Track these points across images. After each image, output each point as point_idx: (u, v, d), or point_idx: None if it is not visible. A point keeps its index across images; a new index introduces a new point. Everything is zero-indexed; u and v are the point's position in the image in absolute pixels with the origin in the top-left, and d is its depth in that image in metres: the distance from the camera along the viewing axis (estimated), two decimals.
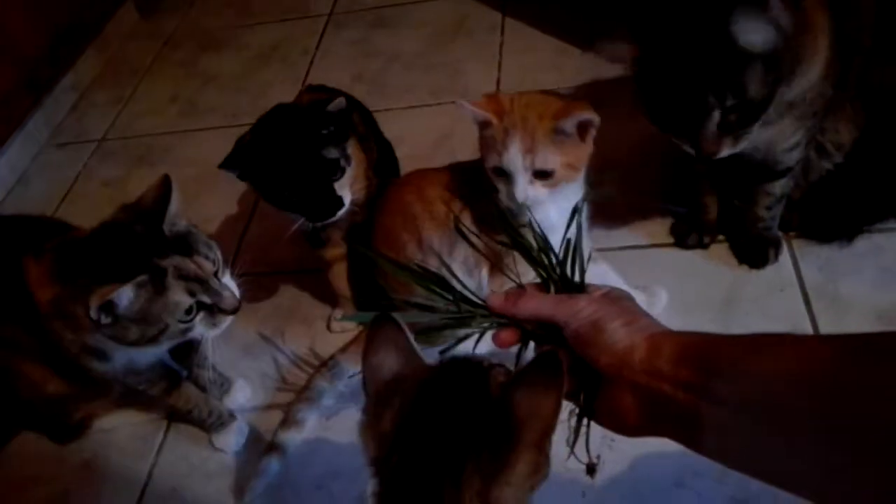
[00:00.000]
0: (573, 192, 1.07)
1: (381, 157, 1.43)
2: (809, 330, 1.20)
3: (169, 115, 2.12)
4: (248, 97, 2.09)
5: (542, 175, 1.02)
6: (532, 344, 0.70)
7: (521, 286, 0.71)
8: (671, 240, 1.38)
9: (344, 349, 1.32)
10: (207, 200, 1.73)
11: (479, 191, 1.10)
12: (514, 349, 0.71)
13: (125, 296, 0.91)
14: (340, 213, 1.18)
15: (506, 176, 1.03)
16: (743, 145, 1.00)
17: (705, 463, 0.57)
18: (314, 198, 1.15)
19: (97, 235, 1.00)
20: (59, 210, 1.89)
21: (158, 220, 0.98)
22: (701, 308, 1.25)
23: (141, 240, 0.97)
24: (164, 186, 1.00)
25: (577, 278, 0.71)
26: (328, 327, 1.41)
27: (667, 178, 1.43)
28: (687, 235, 1.35)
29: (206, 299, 0.99)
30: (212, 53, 2.33)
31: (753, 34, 0.90)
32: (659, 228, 1.40)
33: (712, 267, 1.32)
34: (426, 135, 1.76)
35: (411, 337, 0.65)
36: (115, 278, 0.91)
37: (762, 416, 0.49)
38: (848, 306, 1.20)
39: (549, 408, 0.57)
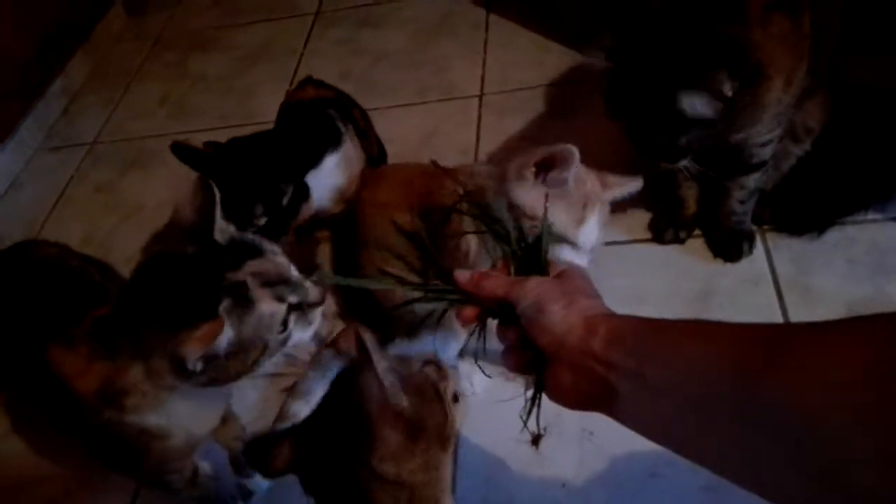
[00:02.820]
0: None
1: (379, 155, 1.47)
2: (781, 321, 1.23)
3: (159, 118, 2.14)
4: (236, 98, 2.12)
5: None
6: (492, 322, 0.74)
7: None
8: (649, 235, 1.41)
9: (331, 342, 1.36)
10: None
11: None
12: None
13: (225, 334, 0.77)
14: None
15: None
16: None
17: None
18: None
19: (140, 279, 0.85)
20: (52, 214, 1.92)
21: (209, 232, 0.84)
22: (677, 302, 1.29)
23: (200, 261, 0.82)
24: (206, 191, 0.85)
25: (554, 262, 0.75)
26: None
27: (645, 174, 1.46)
28: (664, 231, 1.38)
29: (293, 299, 0.85)
30: (200, 54, 2.35)
31: (699, 107, 0.99)
32: (637, 224, 1.43)
33: (688, 261, 1.35)
34: (412, 133, 1.79)
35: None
36: (194, 314, 0.76)
37: (685, 399, 0.52)
38: (819, 298, 1.24)
39: (437, 413, 0.63)
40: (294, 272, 0.87)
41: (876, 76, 1.34)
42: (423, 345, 1.16)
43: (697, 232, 1.39)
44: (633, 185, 1.11)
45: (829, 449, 0.41)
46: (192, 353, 0.75)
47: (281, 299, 0.83)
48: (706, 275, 1.32)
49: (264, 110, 1.97)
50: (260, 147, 1.19)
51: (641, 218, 1.44)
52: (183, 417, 0.89)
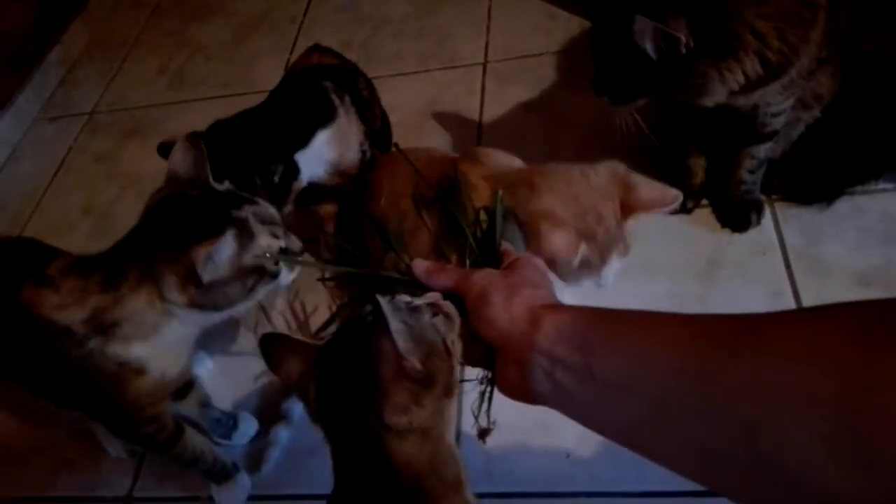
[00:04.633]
0: None
1: (382, 127, 1.44)
2: (789, 292, 1.21)
3: (158, 87, 2.11)
4: (236, 67, 2.08)
5: None
6: None
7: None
8: None
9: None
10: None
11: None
12: None
13: (228, 246, 0.87)
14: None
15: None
16: None
17: None
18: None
19: (150, 215, 0.93)
20: (52, 184, 1.90)
21: (206, 182, 0.94)
22: (684, 273, 1.27)
23: (205, 199, 0.92)
24: (194, 147, 0.95)
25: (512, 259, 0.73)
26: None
27: (653, 144, 1.44)
28: None
29: (283, 243, 0.96)
30: (199, 22, 2.32)
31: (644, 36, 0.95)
32: None
33: (696, 231, 1.33)
34: (414, 102, 1.77)
35: (292, 335, 0.72)
36: (203, 233, 0.86)
37: (639, 395, 0.50)
38: (828, 269, 1.22)
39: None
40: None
41: (891, 42, 1.31)
42: None
43: (705, 202, 1.37)
44: (667, 202, 1.02)
45: (786, 449, 0.39)
46: (202, 255, 0.83)
47: (276, 237, 0.94)
48: (714, 245, 1.30)
49: (264, 79, 1.94)
50: (246, 128, 1.18)
51: None
52: (163, 351, 0.95)
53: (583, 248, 0.98)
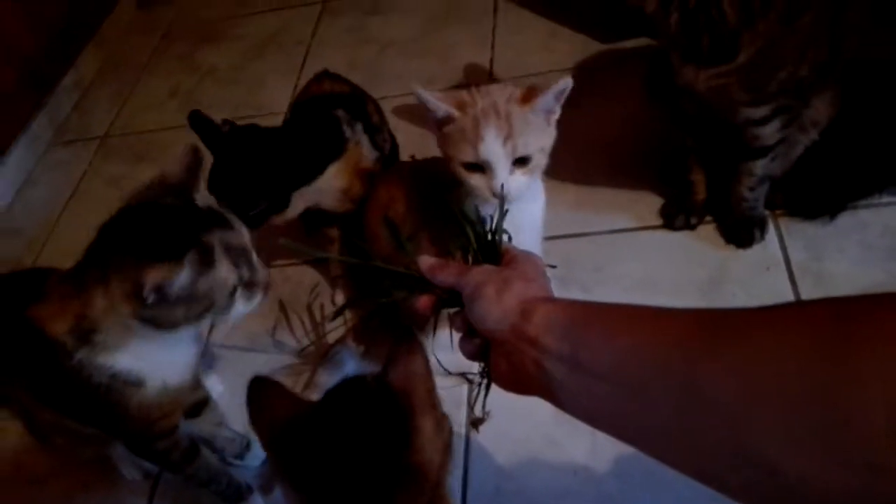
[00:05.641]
0: (538, 191, 1.10)
1: (392, 150, 1.47)
2: None
3: (169, 110, 2.15)
4: (245, 89, 2.12)
5: (521, 162, 0.99)
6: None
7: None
8: (660, 222, 1.40)
9: (342, 339, 1.37)
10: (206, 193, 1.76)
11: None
12: None
13: (184, 277, 0.84)
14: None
15: (480, 170, 1.00)
16: None
17: None
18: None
19: (124, 218, 0.91)
20: (66, 208, 1.94)
21: (190, 193, 0.92)
22: (688, 288, 1.28)
23: (178, 214, 0.90)
24: (193, 155, 0.94)
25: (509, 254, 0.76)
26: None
27: (656, 160, 1.45)
28: (675, 217, 1.37)
29: (245, 273, 0.93)
30: (209, 45, 2.35)
31: None
32: (647, 211, 1.42)
33: (700, 248, 1.34)
34: (421, 121, 1.79)
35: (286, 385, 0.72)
36: (162, 253, 0.83)
37: (622, 384, 0.52)
38: (832, 284, 1.23)
39: (419, 367, 0.64)
40: (253, 254, 0.96)
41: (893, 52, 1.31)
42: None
43: (709, 218, 1.38)
44: (557, 85, 0.97)
45: (764, 440, 0.41)
46: (151, 281, 0.81)
47: (237, 269, 0.91)
48: (718, 261, 1.31)
49: (273, 101, 1.97)
50: (268, 148, 1.20)
51: (652, 204, 1.43)
52: (151, 361, 0.94)
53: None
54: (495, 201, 0.98)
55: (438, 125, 1.02)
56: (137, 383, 0.94)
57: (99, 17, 2.47)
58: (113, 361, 0.91)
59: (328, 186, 1.25)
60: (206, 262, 0.87)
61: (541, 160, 1.02)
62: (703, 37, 1.01)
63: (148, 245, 0.84)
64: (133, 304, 0.84)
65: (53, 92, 2.23)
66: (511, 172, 0.99)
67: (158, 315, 0.87)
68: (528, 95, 0.99)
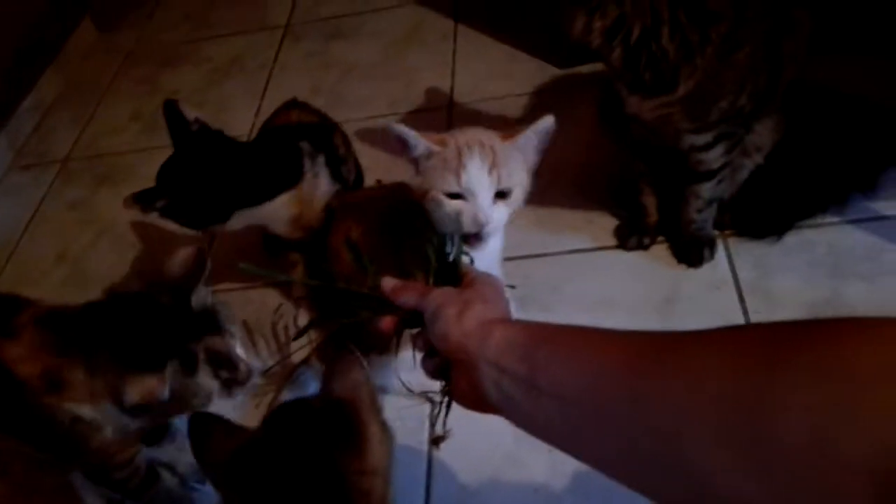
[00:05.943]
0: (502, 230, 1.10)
1: (356, 178, 1.49)
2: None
3: (131, 133, 2.15)
4: (208, 112, 2.10)
5: (501, 195, 1.00)
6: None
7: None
8: (615, 242, 1.44)
9: (307, 359, 1.38)
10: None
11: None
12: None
13: (164, 391, 0.89)
14: None
15: (461, 199, 0.99)
16: None
17: None
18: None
19: (114, 304, 0.96)
20: (26, 232, 1.92)
21: (187, 296, 0.95)
22: (642, 307, 1.32)
23: (170, 316, 0.93)
24: (199, 261, 0.97)
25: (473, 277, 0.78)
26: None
27: (611, 183, 1.50)
28: (629, 238, 1.41)
29: (226, 375, 0.98)
30: (171, 68, 2.36)
31: None
32: (603, 231, 1.46)
33: (653, 267, 1.39)
34: (382, 146, 1.81)
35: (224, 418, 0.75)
36: (145, 363, 0.88)
37: (576, 405, 0.54)
38: (780, 301, 1.27)
39: (360, 375, 0.68)
40: (238, 350, 0.99)
41: (836, 78, 1.37)
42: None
43: (661, 238, 1.42)
44: (540, 123, 1.01)
45: (698, 454, 0.43)
46: (131, 399, 0.88)
47: (217, 376, 0.96)
48: (671, 280, 1.36)
49: (236, 124, 1.98)
50: (226, 160, 1.22)
51: (607, 225, 1.47)
52: (115, 414, 0.96)
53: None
54: (472, 230, 1.00)
55: (416, 161, 1.03)
56: (97, 428, 0.97)
57: (60, 40, 2.46)
58: (79, 411, 0.94)
59: (277, 214, 1.28)
60: (187, 371, 0.92)
61: (518, 196, 1.03)
62: (646, 71, 1.06)
63: (134, 350, 0.90)
64: (113, 401, 0.91)
65: (13, 115, 2.21)
66: (493, 202, 1.00)
67: (135, 410, 0.92)
68: (509, 134, 1.02)
